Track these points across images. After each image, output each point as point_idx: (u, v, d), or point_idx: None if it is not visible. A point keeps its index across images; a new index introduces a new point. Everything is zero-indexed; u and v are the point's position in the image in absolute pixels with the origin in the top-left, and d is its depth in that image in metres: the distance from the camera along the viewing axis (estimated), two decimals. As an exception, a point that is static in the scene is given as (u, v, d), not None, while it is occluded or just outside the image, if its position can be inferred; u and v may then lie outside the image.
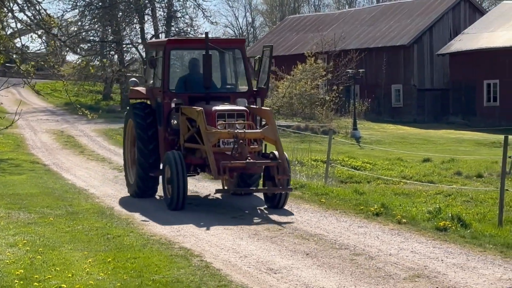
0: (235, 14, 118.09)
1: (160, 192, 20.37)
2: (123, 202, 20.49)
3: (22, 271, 12.18)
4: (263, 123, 19.06)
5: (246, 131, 17.13)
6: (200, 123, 16.64)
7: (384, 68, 67.98)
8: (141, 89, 20.17)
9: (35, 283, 11.38)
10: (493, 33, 61.80)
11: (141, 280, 11.73)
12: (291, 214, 18.46)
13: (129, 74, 63.11)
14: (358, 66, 55.39)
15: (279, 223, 16.87)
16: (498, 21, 64.62)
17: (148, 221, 17.42)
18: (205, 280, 11.82)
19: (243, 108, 17.87)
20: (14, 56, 16.07)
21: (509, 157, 22.50)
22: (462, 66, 63.88)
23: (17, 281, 11.46)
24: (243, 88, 19.76)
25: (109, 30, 66.81)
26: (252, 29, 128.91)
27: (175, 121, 18.27)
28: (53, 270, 12.47)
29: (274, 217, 16.80)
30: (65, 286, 11.24)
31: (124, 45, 67.46)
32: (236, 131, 16.76)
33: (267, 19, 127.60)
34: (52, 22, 14.08)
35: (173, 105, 18.43)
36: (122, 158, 31.42)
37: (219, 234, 15.72)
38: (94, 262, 13.08)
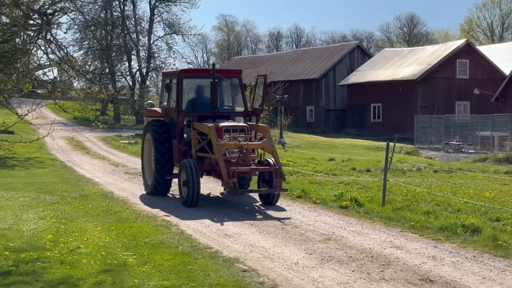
0: (195, 54, 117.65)
1: (172, 192, 19.57)
2: (119, 188, 21.14)
3: (51, 236, 12.91)
4: (259, 136, 18.42)
5: (249, 143, 16.56)
6: (212, 136, 16.02)
7: (301, 94, 69.12)
8: (157, 109, 19.60)
9: (61, 244, 12.12)
10: (377, 71, 62.81)
11: (136, 242, 12.45)
12: (244, 198, 18.93)
13: (120, 97, 62.91)
14: (283, 93, 56.21)
15: (231, 203, 17.51)
16: (381, 62, 65.73)
17: (138, 202, 18.20)
18: (181, 242, 12.55)
19: (244, 124, 17.41)
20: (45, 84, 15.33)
21: (390, 157, 23.12)
22: (356, 93, 65.39)
23: (48, 243, 12.24)
24: (240, 108, 19.02)
25: (106, 65, 66.95)
26: (207, 66, 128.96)
27: (187, 135, 17.63)
28: (73, 235, 13.18)
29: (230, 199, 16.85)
30: (82, 246, 12.07)
31: (116, 76, 67.44)
32: (240, 143, 16.19)
33: (218, 58, 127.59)
34: (75, 62, 13.87)
35: (185, 122, 17.69)
36: (117, 157, 32.46)
37: (189, 210, 16.35)
38: (102, 230, 13.78)
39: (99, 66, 66.77)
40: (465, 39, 70.66)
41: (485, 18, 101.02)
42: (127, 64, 67.49)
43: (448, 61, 59.29)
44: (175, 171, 18.85)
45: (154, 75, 72.20)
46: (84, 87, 20.51)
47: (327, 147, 42.68)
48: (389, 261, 11.18)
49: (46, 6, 12.65)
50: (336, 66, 68.88)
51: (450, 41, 74.51)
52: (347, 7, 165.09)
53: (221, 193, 16.95)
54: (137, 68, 67.01)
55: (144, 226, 14.16)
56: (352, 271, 10.51)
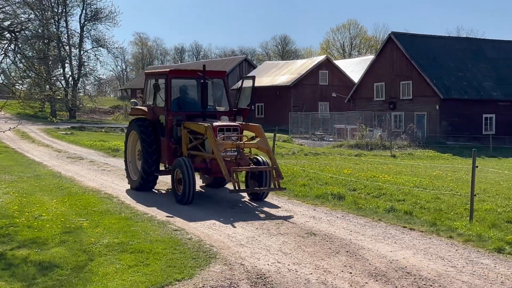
0: (115, 63, 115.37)
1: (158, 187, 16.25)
2: (65, 169, 20.48)
3: (16, 207, 12.97)
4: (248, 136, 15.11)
5: (246, 142, 13.83)
6: (209, 135, 13.06)
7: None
8: (143, 108, 15.74)
9: (26, 213, 12.29)
10: (260, 78, 63.03)
11: (87, 211, 12.61)
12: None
13: (56, 97, 61.11)
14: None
15: (166, 182, 17.32)
16: (263, 72, 66.15)
17: (83, 180, 17.77)
18: (123, 210, 12.80)
19: (237, 123, 14.27)
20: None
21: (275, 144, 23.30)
22: (244, 95, 65.53)
23: (16, 212, 12.33)
24: (225, 108, 15.77)
25: (43, 71, 65.02)
26: (125, 73, 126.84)
27: (178, 134, 14.46)
28: (34, 206, 13.15)
29: (163, 178, 16.86)
30: (44, 214, 12.22)
31: (52, 80, 65.56)
32: (237, 142, 13.41)
33: (134, 67, 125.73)
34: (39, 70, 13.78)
35: (174, 121, 14.54)
36: (58, 145, 31.51)
37: (126, 185, 16.18)
38: (57, 202, 13.75)
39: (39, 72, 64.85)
40: (325, 55, 72.42)
41: (339, 39, 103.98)
42: (61, 70, 65.42)
43: (313, 72, 60.70)
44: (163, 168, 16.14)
45: (85, 80, 70.21)
46: (28, 88, 19.51)
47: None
48: (282, 221, 11.65)
49: (14, 25, 12.63)
50: (229, 74, 68.89)
51: (314, 57, 75.97)
52: (236, 28, 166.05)
53: (230, 191, 13.81)
54: (70, 74, 65.28)
55: (90, 198, 14.09)
56: (256, 228, 10.94)
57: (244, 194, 14.52)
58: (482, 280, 7.89)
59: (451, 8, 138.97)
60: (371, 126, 44.19)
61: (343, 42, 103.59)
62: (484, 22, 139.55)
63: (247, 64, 73.01)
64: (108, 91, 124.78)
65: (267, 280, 7.74)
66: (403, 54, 47.45)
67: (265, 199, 14.10)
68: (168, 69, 14.77)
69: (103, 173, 19.49)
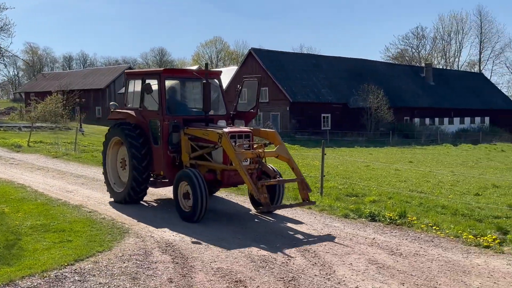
0: (8, 70, 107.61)
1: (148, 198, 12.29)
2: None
3: None
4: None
5: (266, 150, 9.99)
6: (226, 144, 9.43)
7: (92, 98, 66.16)
8: (129, 111, 11.38)
9: None
10: (143, 84, 62.45)
11: (5, 198, 12.12)
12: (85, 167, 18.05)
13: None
14: (80, 98, 53.75)
15: (71, 172, 16.72)
16: (145, 79, 65.25)
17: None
18: (38, 197, 12.27)
19: (249, 129, 10.39)
20: None
21: None
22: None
23: None
24: (222, 111, 11.87)
25: None
26: (17, 78, 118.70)
27: (174, 140, 10.67)
28: None
29: (59, 167, 16.20)
30: None
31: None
32: (258, 151, 9.84)
33: (25, 73, 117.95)
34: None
35: (171, 126, 10.66)
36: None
37: (36, 176, 15.44)
38: None
39: None
40: (198, 65, 72.62)
41: (207, 53, 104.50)
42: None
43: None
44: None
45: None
46: None
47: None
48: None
49: None
50: (116, 80, 66.95)
51: (188, 67, 75.85)
52: (118, 39, 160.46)
53: (258, 211, 10.47)
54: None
55: (5, 188, 13.25)
56: (162, 209, 10.99)
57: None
58: (336, 237, 8.65)
59: (295, 28, 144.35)
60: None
61: (211, 55, 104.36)
62: (320, 41, 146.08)
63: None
64: (1, 94, 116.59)
65: (175, 247, 7.97)
66: (260, 66, 49.06)
67: None
68: (161, 69, 11.05)
69: (11, 166, 18.24)
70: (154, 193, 12.74)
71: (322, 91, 50.90)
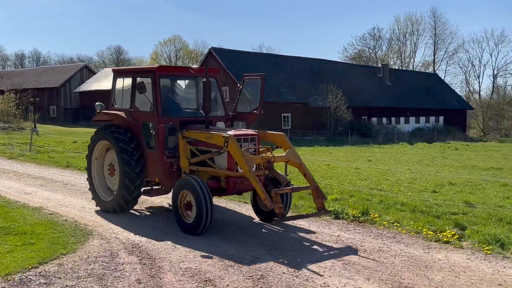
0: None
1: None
2: None
3: None
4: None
5: (275, 155, 8.98)
6: (233, 148, 8.48)
7: (46, 97, 64.48)
8: (118, 112, 10.19)
9: None
10: (100, 83, 61.13)
11: None
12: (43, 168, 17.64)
13: None
14: (34, 97, 52.15)
15: (28, 174, 16.35)
16: (102, 77, 63.54)
17: None
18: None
19: (255, 132, 9.33)
20: None
21: None
22: (86, 97, 62.18)
23: None
24: (221, 112, 10.72)
25: None
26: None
27: (170, 144, 9.57)
28: None
29: (15, 168, 15.74)
30: None
31: None
32: (268, 156, 8.87)
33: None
34: None
35: (167, 129, 9.57)
36: None
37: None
38: None
39: None
40: (157, 64, 71.83)
41: (166, 51, 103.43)
42: None
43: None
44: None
45: None
46: None
47: (70, 134, 40.94)
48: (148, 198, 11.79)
49: None
50: (71, 79, 65.50)
51: (143, 66, 74.84)
52: (73, 37, 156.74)
53: (276, 221, 9.22)
54: None
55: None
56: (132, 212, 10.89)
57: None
58: (302, 235, 8.77)
59: (255, 28, 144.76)
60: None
61: (170, 53, 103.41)
62: (280, 41, 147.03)
63: (87, 71, 69.33)
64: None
65: (142, 248, 7.93)
66: (221, 65, 48.93)
67: None
68: (156, 66, 9.87)
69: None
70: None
71: (282, 91, 51.26)
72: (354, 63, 78.00)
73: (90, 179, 10.95)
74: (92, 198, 10.88)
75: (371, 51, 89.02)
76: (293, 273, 6.76)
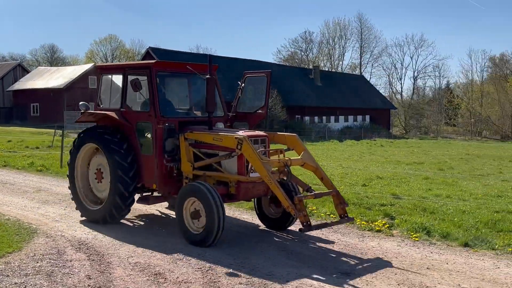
0: None
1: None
2: None
3: None
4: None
5: (291, 158, 8.04)
6: (249, 151, 7.43)
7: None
8: (107, 112, 8.85)
9: None
10: (35, 81, 58.37)
11: None
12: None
13: None
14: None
15: None
16: (36, 76, 60.59)
17: None
18: None
19: (265, 133, 8.31)
20: None
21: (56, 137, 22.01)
22: (20, 96, 59.40)
23: None
24: (219, 112, 9.34)
25: None
26: None
27: (167, 147, 8.37)
28: None
29: None
30: None
31: None
32: (285, 159, 7.91)
33: None
34: None
35: (165, 130, 8.38)
36: None
37: None
38: None
39: None
40: (93, 63, 69.43)
41: (101, 50, 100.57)
42: None
43: (83, 77, 57.77)
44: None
45: None
46: None
47: (4, 133, 39.03)
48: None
49: None
50: (4, 78, 62.57)
51: (82, 65, 72.34)
52: (5, 34, 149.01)
53: (301, 230, 7.10)
54: None
55: None
56: (65, 208, 10.56)
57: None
58: (246, 228, 8.89)
59: (192, 29, 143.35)
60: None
61: (106, 52, 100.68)
62: (217, 42, 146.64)
63: (21, 69, 66.05)
64: None
65: (89, 245, 7.78)
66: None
67: (60, 182, 12.93)
68: (152, 61, 8.65)
69: None
70: (59, 193, 12.25)
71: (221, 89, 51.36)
72: (287, 64, 79.02)
73: (73, 188, 9.44)
74: (76, 208, 9.45)
75: (303, 53, 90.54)
76: (239, 264, 6.89)
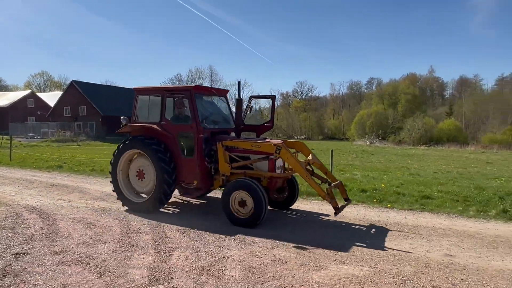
0: None
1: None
2: None
3: None
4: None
5: (308, 158, 6.73)
6: (286, 154, 6.09)
7: None
8: (152, 125, 6.74)
9: None
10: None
11: None
12: None
13: None
14: None
15: None
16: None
17: None
18: None
19: (281, 140, 6.48)
20: None
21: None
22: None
23: None
24: (231, 124, 7.50)
25: None
26: None
27: (206, 151, 6.67)
28: None
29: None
30: None
31: None
32: (306, 159, 6.69)
33: None
34: None
35: (204, 139, 6.66)
36: None
37: None
38: None
39: None
40: (30, 90, 58.54)
41: (36, 81, 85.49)
42: None
43: (24, 98, 48.55)
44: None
45: None
46: None
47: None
48: (33, 181, 10.03)
49: None
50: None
51: (23, 91, 60.79)
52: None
53: (336, 214, 5.78)
54: None
55: None
56: (18, 187, 9.23)
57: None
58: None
59: (102, 65, 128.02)
60: (64, 130, 39.13)
61: (39, 83, 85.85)
62: (121, 76, 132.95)
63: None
64: None
65: (39, 209, 7.10)
66: (79, 92, 43.66)
67: (12, 171, 11.52)
68: (192, 85, 6.83)
69: None
70: (12, 177, 10.66)
71: (123, 109, 48.00)
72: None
73: (115, 181, 7.22)
74: (123, 204, 7.18)
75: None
76: (146, 215, 6.64)
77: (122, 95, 50.98)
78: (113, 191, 7.13)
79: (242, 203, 6.06)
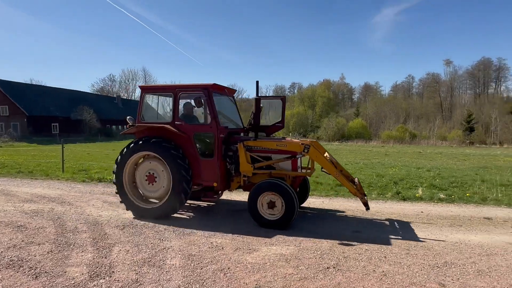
0: None
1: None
2: None
3: None
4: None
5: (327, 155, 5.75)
6: (315, 153, 5.34)
7: None
8: (167, 126, 5.44)
9: None
10: None
11: None
12: None
13: None
14: None
15: None
16: None
17: None
18: None
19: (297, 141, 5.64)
20: None
21: None
22: None
23: None
24: (240, 124, 6.51)
25: None
26: None
27: (228, 152, 5.63)
28: None
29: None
30: None
31: None
32: (329, 157, 5.76)
33: None
34: None
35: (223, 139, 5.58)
36: None
37: None
38: None
39: None
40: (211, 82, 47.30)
41: None
42: None
43: None
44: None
45: None
46: None
47: None
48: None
49: None
50: None
51: None
52: None
53: (367, 209, 5.38)
54: None
55: None
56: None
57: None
58: (79, 192, 7.82)
59: (28, 65, 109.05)
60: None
61: None
62: (47, 75, 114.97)
63: None
64: None
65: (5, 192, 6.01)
66: (2, 92, 37.00)
67: None
68: (210, 83, 5.66)
69: None
70: None
71: (51, 109, 42.15)
72: (99, 93, 69.31)
73: (121, 192, 5.92)
74: (127, 209, 5.94)
75: (109, 88, 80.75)
76: (78, 211, 6.27)
77: (49, 94, 44.90)
78: (116, 193, 5.92)
79: (271, 205, 5.30)
